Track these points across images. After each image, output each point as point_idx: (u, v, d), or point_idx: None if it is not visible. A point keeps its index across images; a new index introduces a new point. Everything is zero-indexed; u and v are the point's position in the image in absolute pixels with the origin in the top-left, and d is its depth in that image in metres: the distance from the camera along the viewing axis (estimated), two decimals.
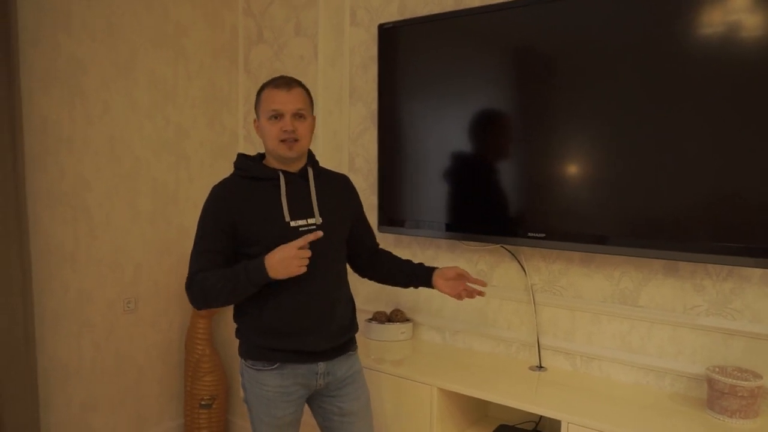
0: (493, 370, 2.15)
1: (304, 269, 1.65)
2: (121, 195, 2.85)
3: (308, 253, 1.65)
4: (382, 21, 2.60)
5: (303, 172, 1.83)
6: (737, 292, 1.85)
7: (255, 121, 1.82)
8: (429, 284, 1.91)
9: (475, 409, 2.27)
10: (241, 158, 1.82)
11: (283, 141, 1.74)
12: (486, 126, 2.16)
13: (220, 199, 1.75)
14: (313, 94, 2.86)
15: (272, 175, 1.78)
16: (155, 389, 3.06)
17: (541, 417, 2.21)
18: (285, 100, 1.73)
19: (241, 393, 1.86)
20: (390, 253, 2.05)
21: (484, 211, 2.19)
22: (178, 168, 3.09)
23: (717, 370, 1.81)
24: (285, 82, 1.76)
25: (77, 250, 2.70)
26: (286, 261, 1.63)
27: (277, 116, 1.74)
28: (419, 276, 1.93)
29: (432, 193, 2.31)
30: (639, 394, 1.95)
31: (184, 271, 3.12)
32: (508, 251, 2.30)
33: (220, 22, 3.19)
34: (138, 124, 2.90)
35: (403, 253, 2.60)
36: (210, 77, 3.19)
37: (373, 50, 2.66)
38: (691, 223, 1.78)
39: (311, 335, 1.76)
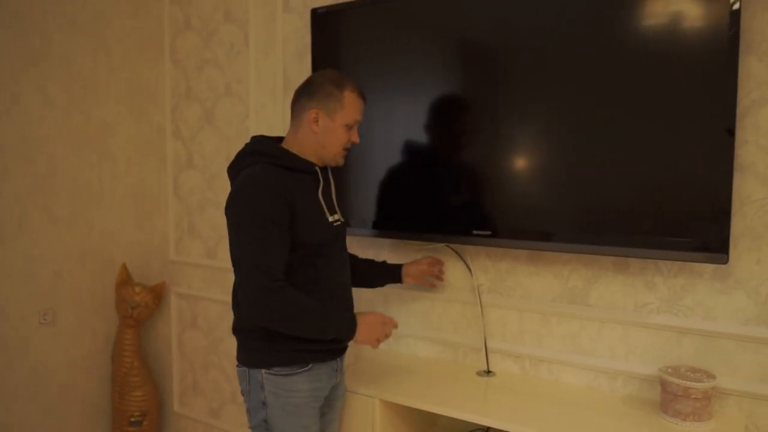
0: (439, 377, 2.05)
1: (379, 343, 1.71)
2: (35, 198, 2.62)
3: (394, 326, 1.74)
4: (316, 6, 2.44)
5: (324, 169, 1.81)
6: (688, 289, 1.78)
7: (317, 112, 1.68)
8: (399, 281, 2.06)
9: (422, 419, 2.15)
10: (275, 146, 1.71)
11: (343, 149, 1.76)
12: (427, 119, 2.05)
13: (279, 189, 1.60)
14: (245, 86, 2.70)
15: (312, 169, 1.73)
16: (79, 408, 2.85)
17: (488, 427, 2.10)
18: (363, 113, 1.76)
19: (244, 412, 1.71)
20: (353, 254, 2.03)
21: (426, 209, 2.08)
22: (102, 166, 2.86)
23: (670, 370, 1.73)
24: (362, 92, 1.75)
25: None
26: (373, 326, 1.68)
27: (352, 126, 1.74)
28: (386, 275, 2.06)
29: (371, 190, 2.18)
30: (590, 398, 1.87)
31: (108, 278, 2.89)
32: (453, 250, 2.18)
33: (144, 10, 2.97)
34: (53, 120, 2.67)
35: None
36: (135, 69, 2.97)
37: (308, 38, 2.50)
38: (641, 218, 1.71)
39: None
